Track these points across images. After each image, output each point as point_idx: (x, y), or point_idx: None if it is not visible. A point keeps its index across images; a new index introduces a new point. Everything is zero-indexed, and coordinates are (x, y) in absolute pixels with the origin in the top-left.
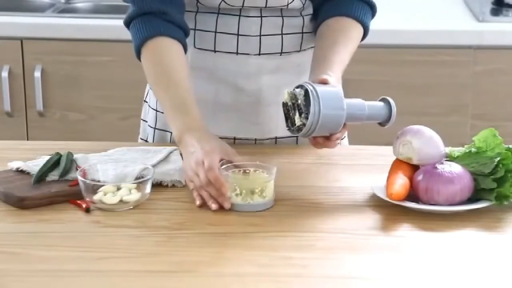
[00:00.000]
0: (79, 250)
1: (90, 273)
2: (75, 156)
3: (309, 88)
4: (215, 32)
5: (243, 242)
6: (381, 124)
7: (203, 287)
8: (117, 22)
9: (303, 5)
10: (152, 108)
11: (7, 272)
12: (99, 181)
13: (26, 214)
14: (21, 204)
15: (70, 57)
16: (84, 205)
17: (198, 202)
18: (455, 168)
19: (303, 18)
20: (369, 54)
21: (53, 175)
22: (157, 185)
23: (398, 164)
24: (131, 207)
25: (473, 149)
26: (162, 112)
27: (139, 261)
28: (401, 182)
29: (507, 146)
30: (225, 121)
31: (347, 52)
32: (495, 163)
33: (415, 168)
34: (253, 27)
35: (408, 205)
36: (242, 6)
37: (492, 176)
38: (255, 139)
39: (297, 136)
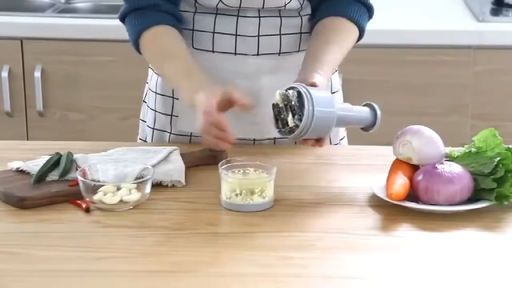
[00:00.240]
0: (79, 250)
1: (90, 273)
2: (75, 156)
3: (303, 90)
4: (213, 32)
5: (243, 242)
6: (365, 129)
7: (203, 287)
8: (117, 22)
9: (301, 5)
10: (151, 109)
11: (7, 272)
12: (99, 181)
13: (26, 214)
14: (21, 204)
15: (70, 57)
16: (84, 205)
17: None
18: (455, 168)
19: (301, 18)
20: (369, 54)
21: (53, 175)
22: (157, 185)
23: (398, 164)
24: (131, 207)
25: (473, 149)
26: (161, 113)
27: (139, 261)
28: (401, 182)
29: (507, 146)
30: None
31: (340, 52)
32: (495, 163)
33: (415, 168)
34: (251, 27)
35: (408, 205)
36: (240, 6)
37: (492, 176)
38: (254, 139)
39: (287, 138)
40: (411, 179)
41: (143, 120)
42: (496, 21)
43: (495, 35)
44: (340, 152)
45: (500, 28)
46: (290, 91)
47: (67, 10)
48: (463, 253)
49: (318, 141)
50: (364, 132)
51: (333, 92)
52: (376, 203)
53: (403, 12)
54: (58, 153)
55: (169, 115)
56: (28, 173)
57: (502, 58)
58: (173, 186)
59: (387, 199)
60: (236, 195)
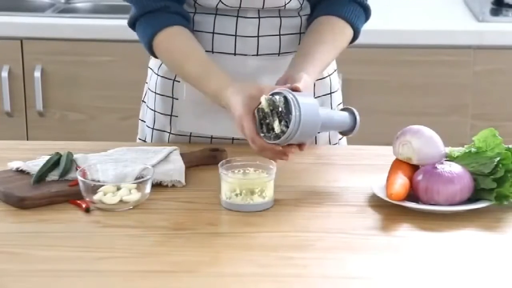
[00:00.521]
0: (79, 250)
1: (90, 273)
2: (75, 156)
3: (289, 96)
4: (213, 33)
5: (243, 242)
6: (344, 133)
7: (203, 287)
8: (117, 22)
9: (301, 5)
10: (151, 109)
11: (7, 272)
12: (99, 181)
13: (26, 214)
14: (21, 204)
15: (70, 57)
16: (84, 205)
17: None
18: (455, 168)
19: (301, 19)
20: (369, 54)
21: (53, 175)
22: (157, 185)
23: (398, 164)
24: (131, 207)
25: (473, 149)
26: (161, 113)
27: (139, 261)
28: (401, 182)
29: (507, 146)
30: (224, 121)
31: (331, 52)
32: (495, 163)
33: (415, 168)
34: (251, 27)
35: (408, 205)
36: (240, 6)
37: (492, 176)
38: None
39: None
40: (411, 179)
41: (142, 120)
42: (496, 21)
43: (495, 35)
44: (340, 152)
45: (500, 28)
46: (277, 97)
47: (67, 10)
48: (463, 253)
49: (300, 146)
50: (343, 136)
51: (333, 92)
52: (376, 203)
53: (403, 12)
54: (58, 153)
55: (168, 115)
56: (28, 173)
57: (502, 58)
58: (173, 186)
59: (387, 199)
60: (236, 195)
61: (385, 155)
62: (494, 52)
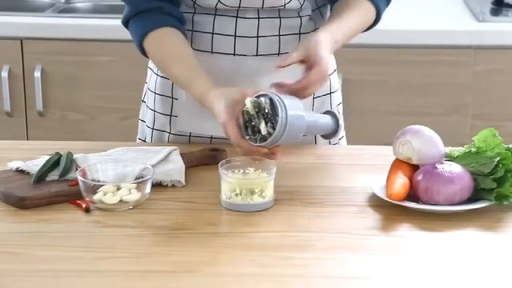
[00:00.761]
0: (79, 250)
1: (90, 273)
2: (75, 156)
3: (275, 98)
4: (212, 33)
5: (243, 242)
6: (326, 136)
7: (202, 287)
8: (117, 22)
9: (301, 5)
10: (150, 109)
11: (7, 272)
12: (99, 181)
13: (26, 214)
14: (21, 204)
15: (70, 57)
16: (84, 205)
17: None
18: (455, 168)
19: (301, 19)
20: (369, 54)
21: (53, 175)
22: (157, 185)
23: (398, 164)
24: (131, 207)
25: (473, 149)
26: (160, 113)
27: (139, 261)
28: (401, 182)
29: (507, 146)
30: None
31: (357, 21)
32: (495, 163)
33: (415, 168)
34: (250, 28)
35: (408, 205)
36: (239, 7)
37: (492, 176)
38: None
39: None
40: (411, 179)
41: (142, 120)
42: (496, 21)
43: (495, 35)
44: (340, 152)
45: (500, 28)
46: (262, 99)
47: (67, 10)
48: (463, 253)
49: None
50: (325, 139)
51: (332, 92)
52: (376, 203)
53: (403, 12)
54: (58, 153)
55: (168, 115)
56: (28, 173)
57: (502, 58)
58: (173, 186)
59: (387, 199)
60: (236, 195)
61: (385, 155)
62: (494, 52)
